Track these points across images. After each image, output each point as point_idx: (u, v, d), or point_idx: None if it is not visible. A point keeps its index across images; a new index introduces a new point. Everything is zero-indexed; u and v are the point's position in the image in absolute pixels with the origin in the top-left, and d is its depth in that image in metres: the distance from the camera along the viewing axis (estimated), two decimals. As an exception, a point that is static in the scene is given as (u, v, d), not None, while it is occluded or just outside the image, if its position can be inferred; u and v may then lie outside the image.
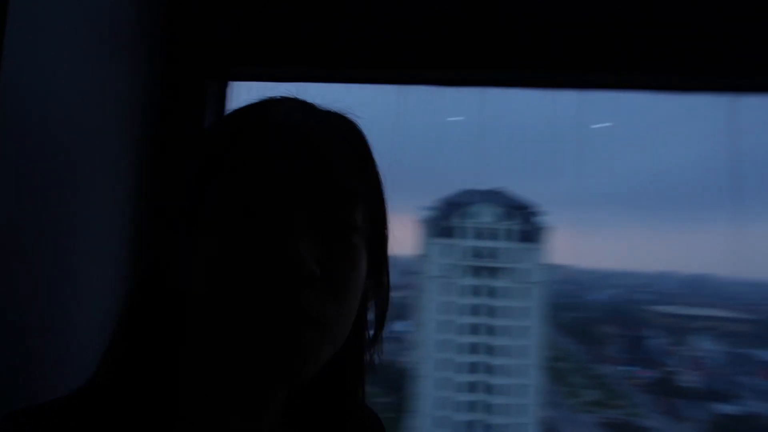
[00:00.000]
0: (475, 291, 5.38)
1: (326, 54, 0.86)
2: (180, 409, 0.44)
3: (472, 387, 5.31)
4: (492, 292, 5.40)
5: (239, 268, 0.40)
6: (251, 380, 0.44)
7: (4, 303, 0.63)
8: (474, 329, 5.35)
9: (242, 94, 0.96)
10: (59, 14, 0.66)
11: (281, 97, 0.50)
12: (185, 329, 0.45)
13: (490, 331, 5.32)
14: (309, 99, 0.49)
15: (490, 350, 5.30)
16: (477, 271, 5.38)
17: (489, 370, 5.30)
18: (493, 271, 5.36)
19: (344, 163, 0.46)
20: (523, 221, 5.24)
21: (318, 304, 0.42)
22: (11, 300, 0.64)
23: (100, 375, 0.44)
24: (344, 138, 0.48)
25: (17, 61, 0.60)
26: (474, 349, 5.33)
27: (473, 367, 5.32)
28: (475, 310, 5.38)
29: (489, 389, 5.27)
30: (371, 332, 0.55)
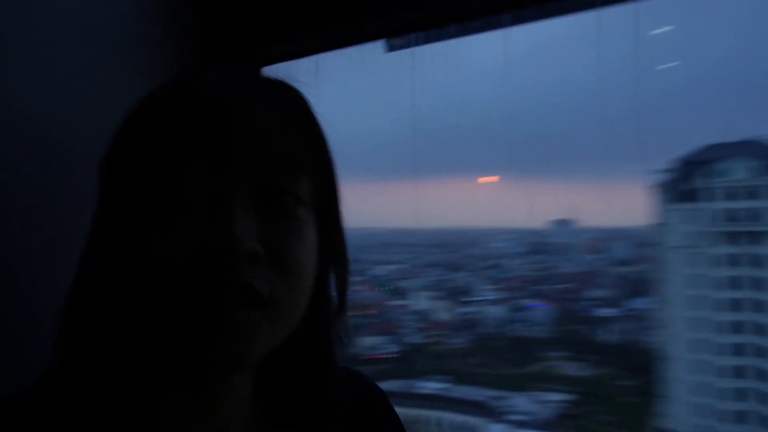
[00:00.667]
0: (733, 261, 4.59)
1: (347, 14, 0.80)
2: (132, 401, 0.43)
3: (738, 372, 4.56)
4: (756, 261, 4.54)
5: (173, 251, 0.38)
6: (196, 367, 0.42)
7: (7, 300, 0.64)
8: (735, 305, 4.57)
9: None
10: (84, 12, 0.72)
11: (216, 69, 0.47)
12: (127, 318, 0.44)
13: (758, 306, 4.48)
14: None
15: (759, 329, 4.47)
16: (733, 237, 4.58)
17: (760, 352, 4.48)
18: (754, 237, 4.50)
19: (282, 131, 0.42)
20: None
21: (263, 282, 0.39)
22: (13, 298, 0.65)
23: (53, 368, 0.44)
24: (284, 106, 0.44)
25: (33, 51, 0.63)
26: (737, 328, 4.55)
27: (738, 350, 4.56)
28: (735, 283, 4.59)
29: (762, 375, 4.46)
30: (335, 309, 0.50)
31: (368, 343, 10.37)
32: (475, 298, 11.34)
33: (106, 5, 0.77)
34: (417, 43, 1.04)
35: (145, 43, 0.82)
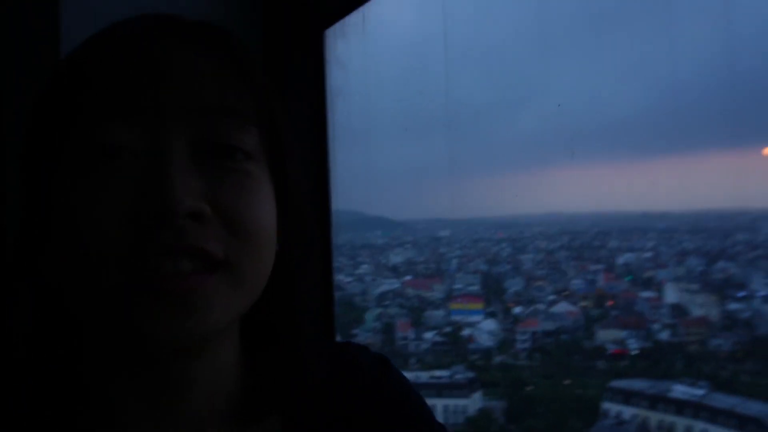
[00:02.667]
0: None
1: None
2: (89, 398, 0.39)
3: None
4: None
5: (105, 221, 0.34)
6: (143, 349, 0.36)
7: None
8: None
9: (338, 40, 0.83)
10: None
11: (137, 15, 0.40)
12: (67, 304, 0.39)
13: None
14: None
15: None
16: None
17: None
18: None
19: (218, 78, 0.37)
20: None
21: (215, 242, 0.34)
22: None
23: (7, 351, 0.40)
24: (218, 51, 0.38)
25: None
26: None
27: None
28: None
29: None
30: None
31: (610, 336, 9.58)
32: (747, 293, 9.50)
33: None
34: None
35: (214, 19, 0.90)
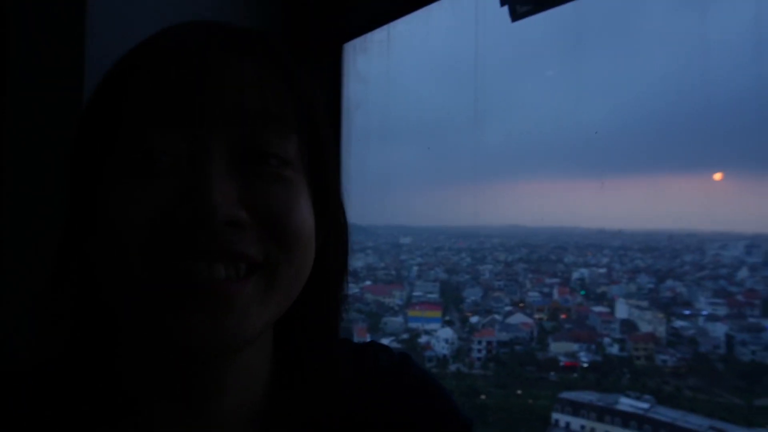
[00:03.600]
0: None
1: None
2: (125, 390, 0.39)
3: None
4: None
5: (146, 222, 0.35)
6: (178, 354, 0.37)
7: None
8: None
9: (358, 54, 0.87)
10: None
11: (181, 23, 0.41)
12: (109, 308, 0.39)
13: None
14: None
15: None
16: None
17: None
18: None
19: (261, 84, 0.37)
20: None
21: (253, 246, 0.35)
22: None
23: (40, 351, 0.41)
24: (262, 57, 0.39)
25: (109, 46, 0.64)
26: None
27: None
28: None
29: None
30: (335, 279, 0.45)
31: (562, 349, 9.83)
32: (692, 312, 9.94)
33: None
34: (542, 7, 0.94)
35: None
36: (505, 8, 0.96)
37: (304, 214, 0.40)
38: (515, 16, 0.97)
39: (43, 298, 0.41)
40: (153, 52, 0.39)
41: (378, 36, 0.90)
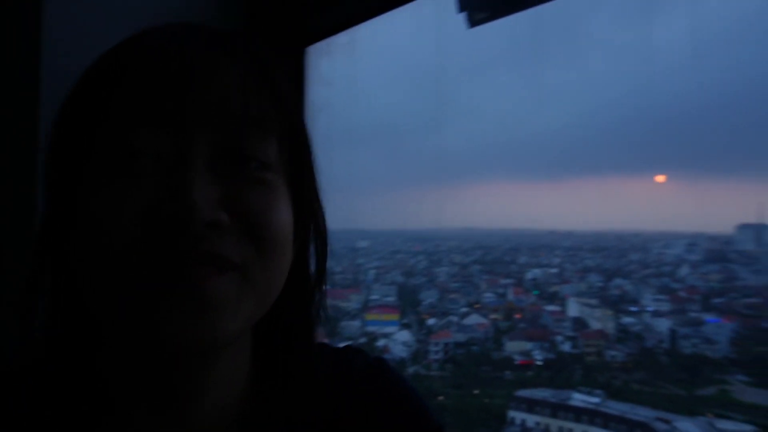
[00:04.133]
0: None
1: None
2: (105, 392, 0.39)
3: None
4: None
5: (124, 225, 0.34)
6: (160, 353, 0.37)
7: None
8: None
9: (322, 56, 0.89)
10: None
11: (165, 24, 0.41)
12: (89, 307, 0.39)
13: None
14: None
15: None
16: None
17: None
18: None
19: (243, 87, 0.37)
20: None
21: (232, 248, 0.35)
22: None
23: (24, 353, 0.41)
24: (244, 60, 0.38)
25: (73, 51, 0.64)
26: None
27: None
28: None
29: None
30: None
31: (517, 348, 10.05)
32: (638, 308, 10.36)
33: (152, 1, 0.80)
34: (499, 14, 0.97)
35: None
36: (463, 15, 0.99)
37: (284, 217, 0.40)
38: (472, 22, 1.00)
39: (21, 300, 0.40)
40: (138, 52, 0.38)
41: (342, 39, 0.91)
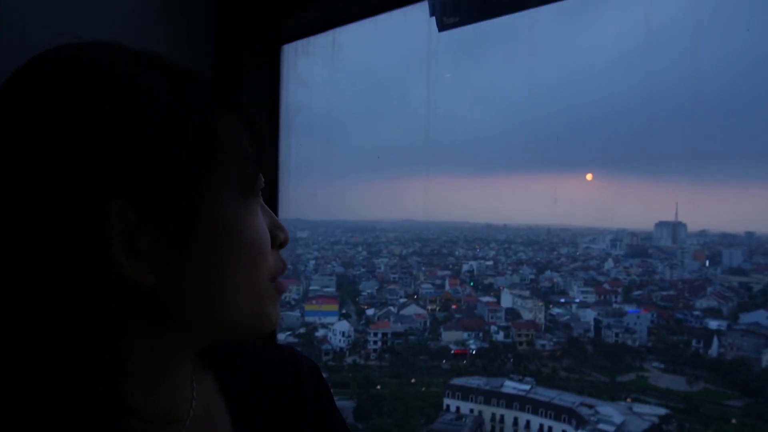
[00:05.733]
0: None
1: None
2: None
3: None
4: None
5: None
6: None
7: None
8: None
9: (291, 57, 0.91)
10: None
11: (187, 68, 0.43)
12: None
13: None
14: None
15: None
16: None
17: None
18: None
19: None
20: None
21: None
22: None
23: None
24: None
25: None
26: None
27: None
28: None
29: None
30: None
31: (453, 337, 10.33)
32: (566, 300, 10.89)
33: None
34: (469, 20, 1.00)
35: (163, 29, 0.84)
36: (433, 19, 1.02)
37: None
38: (442, 26, 1.03)
39: None
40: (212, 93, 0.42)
41: (322, 41, 0.90)
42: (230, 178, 0.39)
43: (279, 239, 0.43)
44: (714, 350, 8.90)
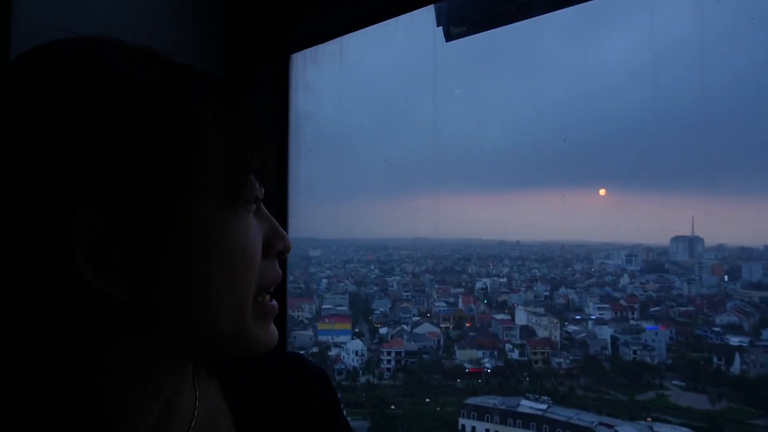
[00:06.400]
0: None
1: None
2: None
3: None
4: None
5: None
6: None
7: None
8: None
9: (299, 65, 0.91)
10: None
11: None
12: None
13: None
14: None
15: None
16: None
17: None
18: None
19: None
20: None
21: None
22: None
23: None
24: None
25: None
26: None
27: None
28: None
29: None
30: None
31: (467, 356, 10.20)
32: (582, 317, 10.73)
33: (132, 3, 0.80)
34: (476, 29, 0.99)
35: (174, 37, 0.85)
36: (441, 29, 1.01)
37: None
38: (450, 36, 1.02)
39: None
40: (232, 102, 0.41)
41: (330, 48, 0.90)
42: (215, 181, 0.36)
43: (277, 248, 0.41)
44: (736, 367, 8.69)
